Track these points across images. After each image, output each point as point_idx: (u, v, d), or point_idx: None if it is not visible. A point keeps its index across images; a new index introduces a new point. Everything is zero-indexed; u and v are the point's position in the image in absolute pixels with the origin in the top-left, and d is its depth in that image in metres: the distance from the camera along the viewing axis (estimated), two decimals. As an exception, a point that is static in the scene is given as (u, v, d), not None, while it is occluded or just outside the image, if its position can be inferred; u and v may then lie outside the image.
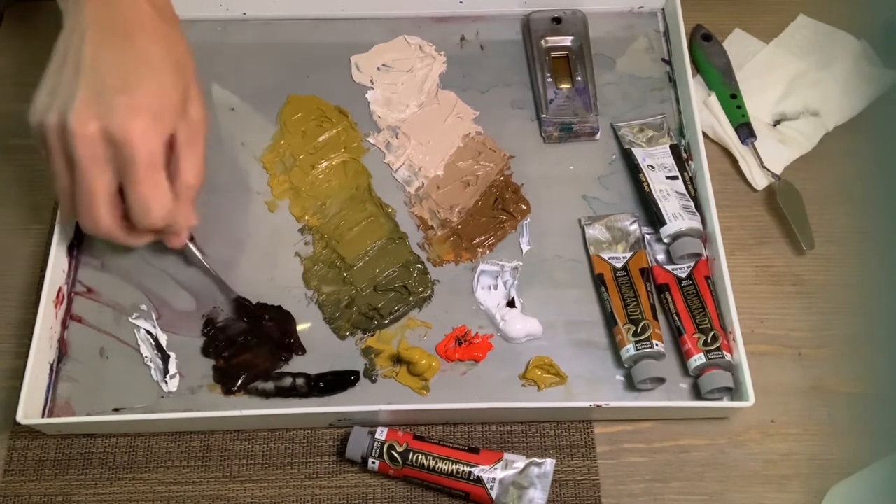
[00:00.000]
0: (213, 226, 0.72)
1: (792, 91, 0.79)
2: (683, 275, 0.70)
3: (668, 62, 0.80)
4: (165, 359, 0.67)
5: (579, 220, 0.73)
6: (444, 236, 0.73)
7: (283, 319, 0.69)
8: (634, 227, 0.72)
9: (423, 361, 0.66)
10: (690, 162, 0.74)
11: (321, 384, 0.67)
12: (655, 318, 0.68)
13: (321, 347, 0.68)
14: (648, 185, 0.72)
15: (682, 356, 0.68)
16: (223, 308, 0.69)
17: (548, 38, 0.80)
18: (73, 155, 0.58)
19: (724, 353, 0.66)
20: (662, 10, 0.83)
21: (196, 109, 0.62)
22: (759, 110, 0.78)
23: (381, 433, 0.63)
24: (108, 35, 0.59)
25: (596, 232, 0.72)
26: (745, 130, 0.76)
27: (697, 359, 0.66)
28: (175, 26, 0.64)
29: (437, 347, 0.68)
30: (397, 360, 0.68)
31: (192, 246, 0.69)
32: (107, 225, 0.61)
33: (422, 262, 0.71)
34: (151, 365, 0.67)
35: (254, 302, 0.69)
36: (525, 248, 0.72)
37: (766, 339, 0.70)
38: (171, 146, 0.61)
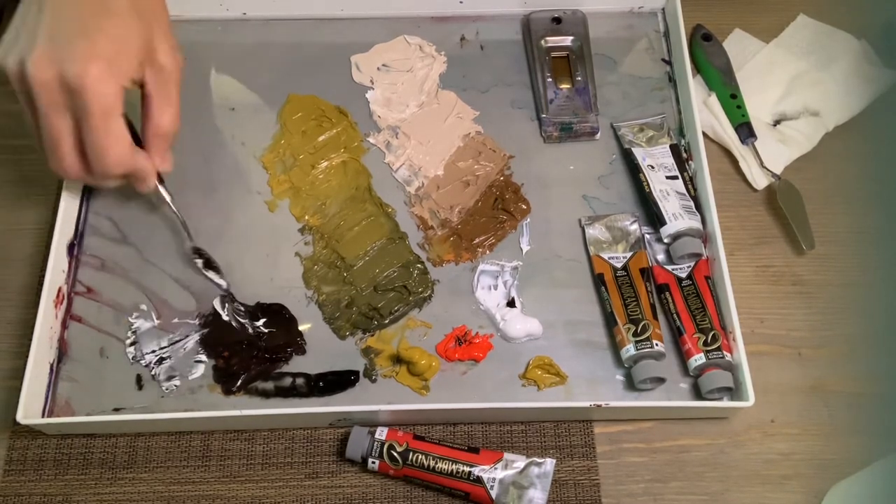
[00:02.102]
0: (213, 226, 0.72)
1: (792, 91, 0.79)
2: (683, 275, 0.70)
3: (668, 62, 0.80)
4: (165, 358, 0.67)
5: (579, 220, 0.73)
6: (444, 236, 0.73)
7: (285, 321, 0.69)
8: (634, 227, 0.72)
9: (423, 361, 0.66)
10: (690, 162, 0.74)
11: (321, 384, 0.67)
12: (655, 318, 0.68)
13: (321, 347, 0.68)
14: (648, 185, 0.72)
15: (682, 356, 0.68)
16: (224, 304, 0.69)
17: (548, 38, 0.80)
18: (33, 100, 0.58)
19: (724, 353, 0.66)
20: (662, 10, 0.83)
21: (165, 57, 0.61)
22: (759, 110, 0.78)
23: (381, 433, 0.63)
24: None
25: (596, 232, 0.72)
26: (745, 130, 0.76)
27: (697, 359, 0.66)
28: None
29: (437, 347, 0.68)
30: (397, 360, 0.68)
31: (161, 189, 0.68)
32: (72, 168, 0.61)
33: (422, 262, 0.71)
34: (152, 365, 0.67)
35: (252, 302, 0.69)
36: (525, 248, 0.72)
37: (766, 339, 0.70)
38: (143, 91, 0.60)
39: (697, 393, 0.67)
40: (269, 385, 0.67)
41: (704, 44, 0.81)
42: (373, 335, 0.69)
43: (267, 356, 0.67)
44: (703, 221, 0.71)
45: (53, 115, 0.58)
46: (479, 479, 0.62)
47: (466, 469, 0.62)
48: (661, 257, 0.72)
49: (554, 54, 0.79)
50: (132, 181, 0.65)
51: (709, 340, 0.66)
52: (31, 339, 0.65)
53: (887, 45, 0.80)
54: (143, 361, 0.67)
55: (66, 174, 0.62)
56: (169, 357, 0.68)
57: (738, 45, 0.82)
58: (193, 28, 0.81)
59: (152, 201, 0.72)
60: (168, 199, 0.69)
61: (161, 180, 0.68)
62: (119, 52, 0.58)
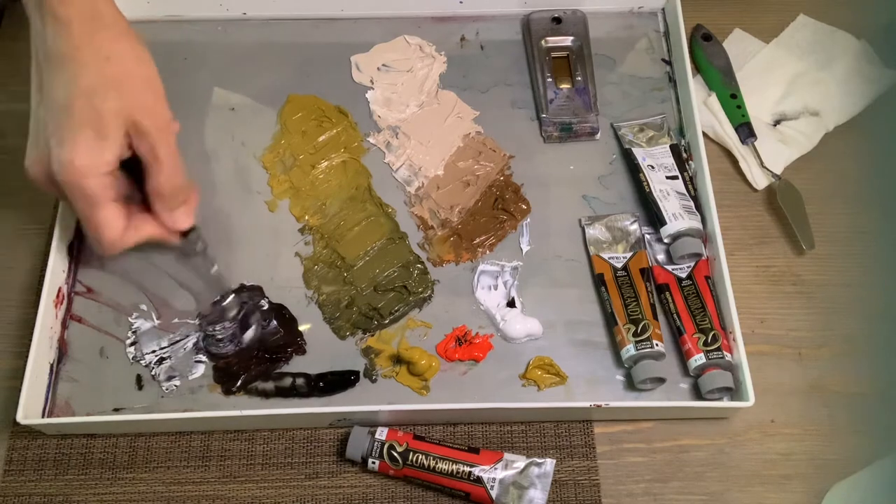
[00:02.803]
0: (213, 226, 0.72)
1: (792, 91, 0.79)
2: (683, 275, 0.70)
3: (668, 62, 0.80)
4: (165, 359, 0.67)
5: (579, 220, 0.73)
6: (444, 236, 0.73)
7: (285, 321, 0.69)
8: (634, 227, 0.72)
9: (423, 361, 0.66)
10: (690, 162, 0.74)
11: (321, 384, 0.67)
12: (655, 318, 0.68)
13: (321, 347, 0.68)
14: (648, 185, 0.72)
15: (682, 356, 0.68)
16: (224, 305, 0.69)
17: (548, 38, 0.80)
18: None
19: (724, 353, 0.66)
20: (662, 10, 0.83)
21: (148, 123, 0.60)
22: (759, 110, 0.78)
23: (381, 433, 0.63)
24: (42, 65, 0.60)
25: (596, 232, 0.72)
26: (745, 130, 0.76)
27: (697, 359, 0.66)
28: (117, 34, 0.61)
29: (437, 347, 0.68)
30: (397, 360, 0.68)
31: (197, 246, 0.67)
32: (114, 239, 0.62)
33: (422, 262, 0.71)
34: (152, 365, 0.67)
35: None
36: (525, 248, 0.72)
37: (766, 339, 0.70)
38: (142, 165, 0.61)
39: (697, 393, 0.67)
40: (269, 385, 0.67)
41: (704, 44, 0.81)
42: (373, 335, 0.69)
43: (267, 356, 0.67)
44: (703, 221, 0.71)
45: (67, 203, 0.61)
46: (479, 479, 0.62)
47: (466, 469, 0.62)
48: (661, 257, 0.72)
49: (554, 54, 0.79)
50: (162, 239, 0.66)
51: (709, 340, 0.66)
52: (31, 339, 0.65)
53: (887, 45, 0.80)
54: (143, 361, 0.67)
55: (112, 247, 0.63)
56: (169, 357, 0.68)
57: (738, 45, 0.82)
58: (193, 28, 0.81)
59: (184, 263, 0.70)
60: (203, 252, 0.67)
61: (192, 234, 0.66)
62: (96, 147, 0.59)
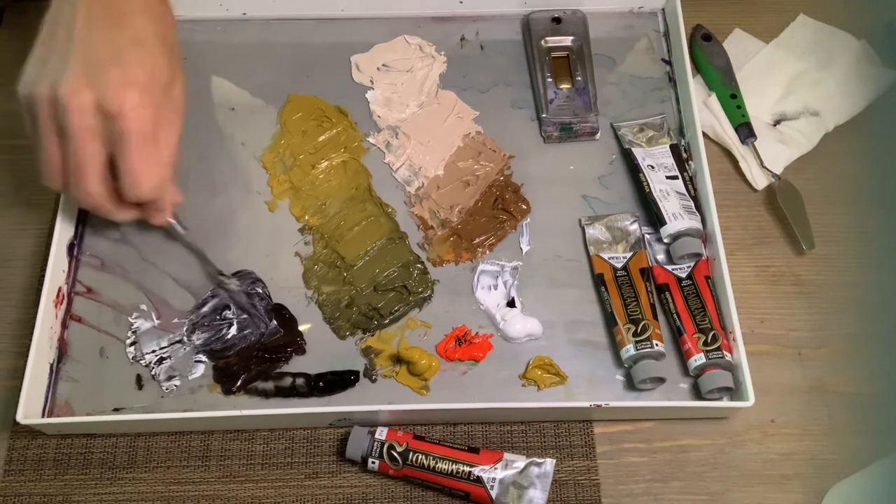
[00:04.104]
0: (213, 226, 0.72)
1: (792, 91, 0.79)
2: (683, 275, 0.70)
3: (668, 62, 0.80)
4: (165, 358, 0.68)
5: (579, 220, 0.73)
6: (444, 236, 0.73)
7: (285, 321, 0.69)
8: (634, 227, 0.72)
9: (423, 361, 0.66)
10: (690, 162, 0.74)
11: (321, 384, 0.67)
12: (655, 318, 0.68)
13: (321, 347, 0.68)
14: (648, 184, 0.72)
15: (682, 356, 0.68)
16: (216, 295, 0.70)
17: (548, 38, 0.80)
18: (64, 126, 0.58)
19: (724, 352, 0.66)
20: (662, 10, 0.83)
21: (178, 89, 0.63)
22: (759, 110, 0.78)
23: (381, 433, 0.63)
24: (99, 9, 0.59)
25: (596, 232, 0.72)
26: (745, 130, 0.76)
27: (697, 359, 0.66)
28: (165, 4, 0.64)
29: (437, 347, 0.68)
30: (397, 359, 0.68)
31: (174, 222, 0.68)
32: (97, 196, 0.61)
33: (422, 262, 0.71)
34: (152, 365, 0.67)
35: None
36: (525, 248, 0.72)
37: (766, 339, 0.70)
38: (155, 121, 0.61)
39: (697, 393, 0.67)
40: (269, 385, 0.67)
41: (704, 44, 0.81)
42: (373, 335, 0.69)
43: (267, 356, 0.67)
44: (703, 221, 0.71)
45: (86, 140, 0.58)
46: (479, 479, 0.62)
47: (466, 469, 0.62)
48: (661, 257, 0.72)
49: (554, 54, 0.79)
50: (148, 213, 0.66)
51: (709, 340, 0.66)
52: (31, 339, 0.65)
53: (887, 45, 0.80)
54: (143, 361, 0.67)
55: (89, 199, 0.62)
56: (169, 357, 0.68)
57: (738, 45, 0.82)
58: (193, 28, 0.81)
59: (168, 234, 0.71)
60: (182, 231, 0.69)
61: (174, 214, 0.68)
62: (151, 81, 0.59)
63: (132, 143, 0.59)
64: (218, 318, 0.68)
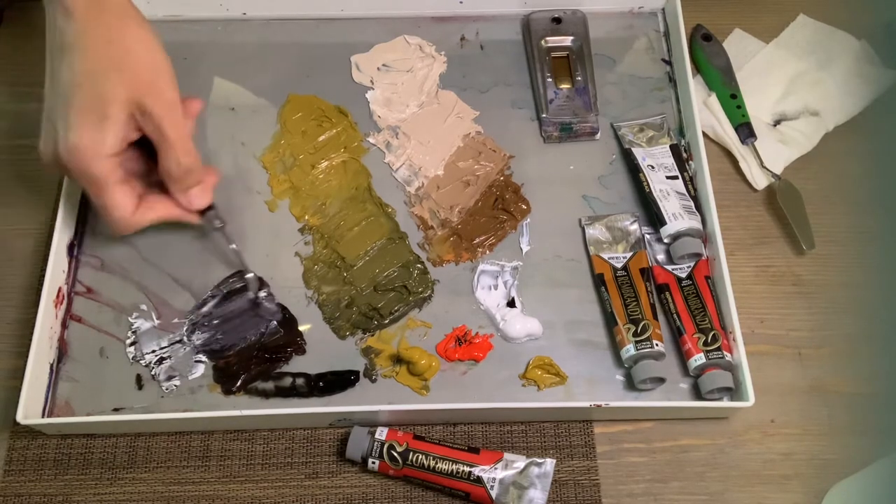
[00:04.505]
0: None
1: (792, 91, 0.79)
2: (683, 275, 0.70)
3: (668, 62, 0.80)
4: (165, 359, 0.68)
5: (579, 220, 0.73)
6: (444, 236, 0.73)
7: (285, 321, 0.69)
8: (634, 227, 0.72)
9: (423, 361, 0.66)
10: (690, 162, 0.74)
11: (321, 384, 0.67)
12: (655, 318, 0.68)
13: (321, 347, 0.68)
14: (648, 184, 0.72)
15: (682, 356, 0.68)
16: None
17: (548, 38, 0.80)
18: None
19: (725, 353, 0.66)
20: (662, 10, 0.83)
21: (154, 102, 0.61)
22: (759, 110, 0.78)
23: (381, 433, 0.63)
24: (52, 52, 0.61)
25: (596, 232, 0.72)
26: (745, 130, 0.76)
27: (697, 359, 0.66)
28: (120, 18, 0.62)
29: (437, 347, 0.68)
30: (397, 359, 0.68)
31: (214, 219, 0.68)
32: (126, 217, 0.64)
33: (422, 262, 0.71)
34: (152, 365, 0.67)
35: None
36: (525, 248, 0.72)
37: (766, 339, 0.70)
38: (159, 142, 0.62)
39: (697, 393, 0.67)
40: (269, 385, 0.67)
41: (704, 44, 0.81)
42: (373, 335, 0.69)
43: (267, 356, 0.67)
44: (703, 221, 0.71)
45: (80, 185, 0.62)
46: (479, 479, 0.62)
47: (466, 469, 0.62)
48: (661, 257, 0.72)
49: (554, 54, 0.79)
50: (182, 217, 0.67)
51: (709, 340, 0.66)
52: (31, 339, 0.65)
53: (887, 45, 0.80)
54: (143, 361, 0.67)
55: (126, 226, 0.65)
56: (169, 357, 0.68)
57: (738, 45, 0.82)
58: (193, 28, 0.81)
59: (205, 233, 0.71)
60: (219, 225, 0.69)
61: (210, 213, 0.68)
62: (98, 130, 0.60)
63: (90, 191, 0.62)
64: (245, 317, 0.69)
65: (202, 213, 0.67)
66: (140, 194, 0.64)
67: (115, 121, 0.60)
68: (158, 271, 0.71)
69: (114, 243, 0.72)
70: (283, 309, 0.69)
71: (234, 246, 0.69)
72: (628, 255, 0.71)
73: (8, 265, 0.72)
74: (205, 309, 0.69)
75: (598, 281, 0.70)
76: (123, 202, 0.62)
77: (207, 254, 0.71)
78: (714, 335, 0.66)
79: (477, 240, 0.72)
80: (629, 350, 0.66)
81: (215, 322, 0.68)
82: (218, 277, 0.70)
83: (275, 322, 0.68)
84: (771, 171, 0.75)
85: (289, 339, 0.68)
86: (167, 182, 0.64)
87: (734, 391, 0.66)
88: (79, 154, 0.59)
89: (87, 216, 0.73)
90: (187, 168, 0.63)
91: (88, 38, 0.60)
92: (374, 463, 0.63)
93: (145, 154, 0.64)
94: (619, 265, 0.70)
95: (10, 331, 0.69)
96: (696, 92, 0.76)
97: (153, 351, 0.68)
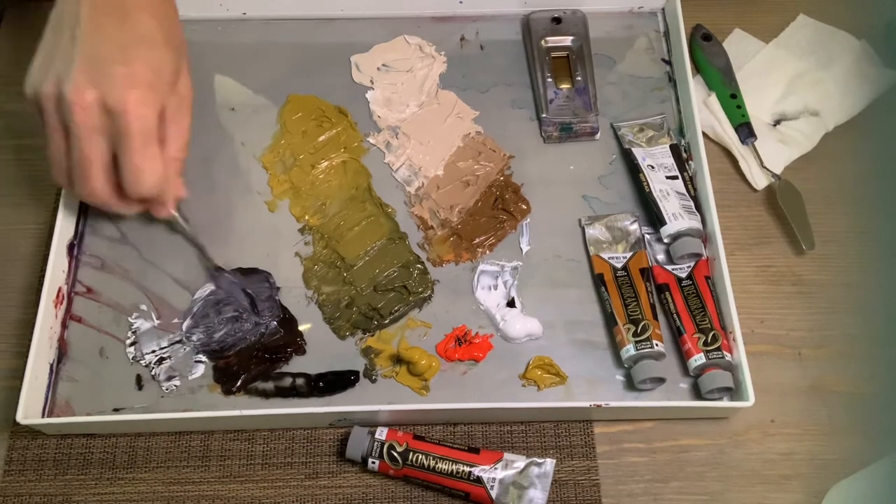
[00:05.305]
0: (213, 225, 0.72)
1: (792, 91, 0.79)
2: (683, 275, 0.70)
3: (668, 62, 0.80)
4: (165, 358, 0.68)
5: (579, 220, 0.73)
6: (444, 236, 0.73)
7: (285, 321, 0.69)
8: (634, 226, 0.72)
9: (423, 361, 0.66)
10: (690, 162, 0.74)
11: (321, 384, 0.67)
12: (655, 318, 0.68)
13: (321, 347, 0.68)
14: (648, 184, 0.72)
15: (682, 356, 0.68)
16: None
17: (548, 38, 0.80)
18: (69, 124, 0.59)
19: (724, 353, 0.66)
20: (662, 10, 0.83)
21: (185, 84, 0.64)
22: (759, 110, 0.78)
23: (381, 433, 0.63)
24: (103, 7, 0.60)
25: (596, 232, 0.72)
26: (745, 130, 0.77)
27: (697, 359, 0.66)
28: (170, 1, 0.65)
29: (437, 347, 0.68)
30: (397, 360, 0.68)
31: (177, 215, 0.69)
32: (101, 192, 0.62)
33: (422, 262, 0.71)
34: (152, 365, 0.67)
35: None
36: (525, 248, 0.72)
37: (766, 339, 0.70)
38: (160, 118, 0.62)
39: (697, 393, 0.67)
40: (269, 385, 0.67)
41: (704, 44, 0.81)
42: (373, 335, 0.69)
43: (267, 356, 0.67)
44: (703, 221, 0.71)
45: (90, 137, 0.59)
46: (479, 479, 0.62)
47: (466, 469, 0.62)
48: (661, 257, 0.72)
49: (554, 54, 0.79)
50: (152, 206, 0.67)
51: (709, 340, 0.66)
52: (31, 339, 0.65)
53: (887, 45, 0.80)
54: (143, 361, 0.67)
55: (93, 196, 0.63)
56: (169, 357, 0.68)
57: (738, 45, 0.82)
58: (193, 28, 0.80)
59: (170, 227, 0.72)
60: (184, 224, 0.69)
61: (177, 207, 0.68)
62: (155, 79, 0.60)
63: (134, 141, 0.59)
64: (213, 314, 0.68)
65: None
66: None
67: (168, 82, 0.61)
68: (158, 271, 0.71)
69: (114, 243, 0.72)
70: (283, 309, 0.69)
71: (183, 221, 0.69)
72: (628, 255, 0.71)
73: (8, 265, 0.72)
74: (196, 308, 0.69)
75: (598, 281, 0.70)
76: (161, 156, 0.61)
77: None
78: (714, 335, 0.66)
79: (477, 240, 0.72)
80: (629, 350, 0.66)
81: (212, 318, 0.68)
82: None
83: (275, 322, 0.68)
84: (771, 171, 0.75)
85: (289, 339, 0.68)
86: (167, 163, 0.64)
87: (734, 391, 0.66)
88: (136, 94, 0.58)
89: (88, 216, 0.73)
90: (185, 153, 0.65)
91: (146, 2, 0.61)
92: (374, 463, 0.63)
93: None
94: (619, 265, 0.70)
95: (10, 331, 0.69)
96: (696, 92, 0.76)
97: (153, 351, 0.68)
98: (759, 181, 0.76)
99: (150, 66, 0.60)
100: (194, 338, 0.68)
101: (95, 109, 0.58)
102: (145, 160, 0.60)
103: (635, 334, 0.66)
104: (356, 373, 0.67)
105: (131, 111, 0.58)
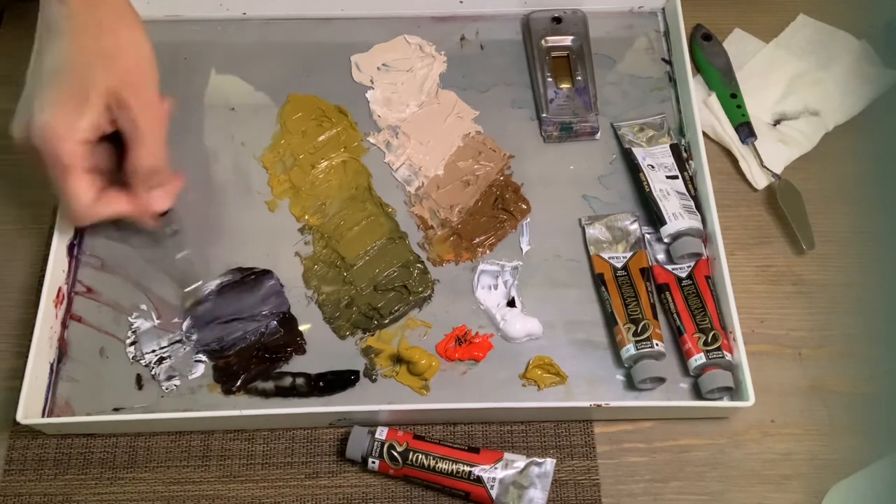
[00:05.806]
0: (213, 226, 0.72)
1: (792, 91, 0.79)
2: (683, 274, 0.70)
3: (668, 62, 0.80)
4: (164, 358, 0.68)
5: (579, 220, 0.73)
6: (444, 236, 0.73)
7: (285, 320, 0.69)
8: (634, 226, 0.72)
9: (423, 361, 0.66)
10: (690, 161, 0.74)
11: (321, 384, 0.67)
12: (655, 317, 0.68)
13: (321, 347, 0.68)
14: (648, 184, 0.72)
15: (682, 356, 0.68)
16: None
17: (548, 38, 0.80)
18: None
19: (725, 352, 0.66)
20: (662, 9, 0.83)
21: (134, 97, 0.62)
22: (759, 110, 0.78)
23: (381, 433, 0.63)
24: (42, 36, 0.62)
25: (596, 232, 0.72)
26: (745, 130, 0.77)
27: (698, 358, 0.66)
28: (115, 12, 0.63)
29: (437, 347, 0.68)
30: (397, 359, 0.68)
31: (172, 227, 0.69)
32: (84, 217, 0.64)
33: (422, 262, 0.71)
34: (152, 365, 0.67)
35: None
36: (525, 248, 0.72)
37: (766, 339, 0.70)
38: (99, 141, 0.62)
39: (697, 393, 0.67)
40: (269, 385, 0.67)
41: (704, 44, 0.81)
42: (373, 335, 0.69)
43: (267, 356, 0.67)
44: (703, 221, 0.71)
45: (42, 172, 0.62)
46: (479, 479, 0.62)
47: (466, 469, 0.62)
48: (661, 257, 0.72)
49: (554, 54, 0.79)
50: (137, 219, 0.67)
51: (709, 340, 0.66)
52: (31, 339, 0.65)
53: (887, 45, 0.80)
54: (143, 361, 0.67)
55: (80, 221, 0.66)
56: (169, 357, 0.68)
57: (738, 45, 0.82)
58: (193, 28, 0.81)
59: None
60: (174, 234, 0.70)
61: (167, 216, 0.68)
62: (74, 114, 0.60)
63: (55, 175, 0.61)
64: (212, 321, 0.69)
65: (160, 216, 0.68)
66: (101, 188, 0.64)
67: (92, 107, 0.60)
68: (158, 271, 0.71)
69: (114, 243, 0.72)
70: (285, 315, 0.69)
71: (185, 253, 0.70)
72: (628, 254, 0.71)
73: (8, 265, 0.72)
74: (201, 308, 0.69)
75: (598, 281, 0.70)
76: (84, 190, 0.62)
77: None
78: (714, 335, 0.66)
79: (477, 239, 0.72)
80: (629, 350, 0.66)
81: (213, 314, 0.68)
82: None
83: (275, 322, 0.68)
84: (771, 171, 0.75)
85: (289, 338, 0.68)
86: (132, 179, 0.64)
87: (734, 391, 0.66)
88: (52, 134, 0.59)
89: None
90: (153, 167, 0.64)
91: (80, 27, 0.61)
92: (374, 463, 0.63)
93: (115, 154, 0.64)
94: (619, 265, 0.70)
95: (10, 331, 0.69)
96: (696, 92, 0.76)
97: (153, 351, 0.68)
98: (760, 181, 0.76)
99: (64, 95, 0.60)
100: (194, 337, 0.68)
101: (27, 148, 0.61)
102: (65, 194, 0.62)
103: (635, 334, 0.66)
104: (356, 372, 0.67)
105: (44, 147, 0.60)
